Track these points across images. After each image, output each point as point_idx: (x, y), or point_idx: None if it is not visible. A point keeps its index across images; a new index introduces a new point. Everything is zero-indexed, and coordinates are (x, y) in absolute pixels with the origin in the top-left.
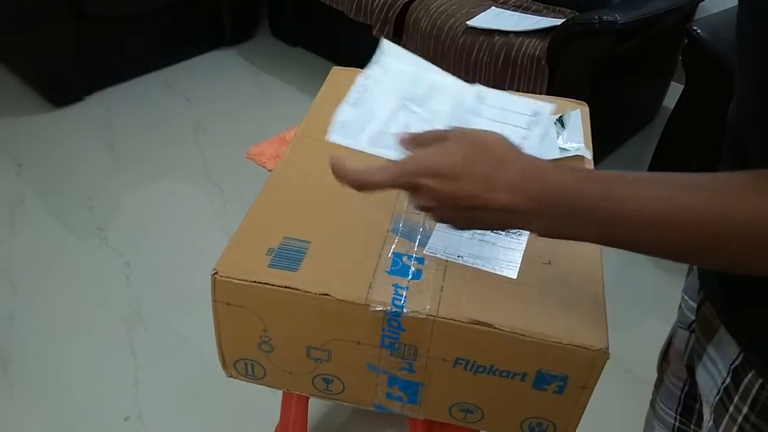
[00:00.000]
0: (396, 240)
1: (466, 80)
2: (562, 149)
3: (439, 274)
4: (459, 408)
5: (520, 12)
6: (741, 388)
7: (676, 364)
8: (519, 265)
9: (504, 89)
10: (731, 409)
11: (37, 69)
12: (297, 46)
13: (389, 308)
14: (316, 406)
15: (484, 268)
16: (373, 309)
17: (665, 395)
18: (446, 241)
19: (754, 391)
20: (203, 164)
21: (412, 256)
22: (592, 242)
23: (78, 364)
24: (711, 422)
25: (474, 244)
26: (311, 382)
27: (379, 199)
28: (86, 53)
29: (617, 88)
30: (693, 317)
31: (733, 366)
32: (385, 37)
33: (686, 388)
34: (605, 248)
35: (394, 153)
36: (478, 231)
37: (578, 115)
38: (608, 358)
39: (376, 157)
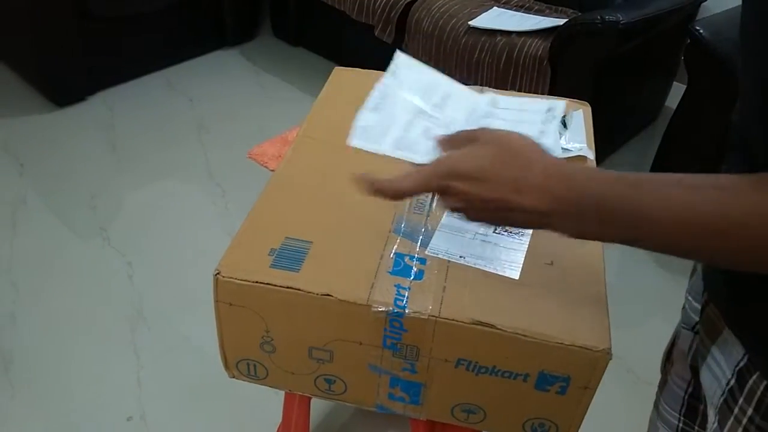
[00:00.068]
0: (398, 240)
1: (468, 81)
2: (565, 149)
3: (441, 275)
4: (461, 409)
5: (523, 12)
6: (746, 390)
7: (680, 365)
8: (521, 266)
9: (506, 89)
10: (736, 410)
11: (40, 69)
12: (299, 47)
13: (391, 309)
14: (318, 407)
15: (487, 269)
16: (375, 309)
17: (669, 396)
18: (448, 242)
19: (759, 392)
20: (205, 164)
21: (414, 257)
22: (615, 242)
23: (80, 364)
24: (715, 424)
25: (476, 245)
26: (313, 382)
27: (381, 200)
28: (89, 53)
29: (620, 88)
30: (697, 318)
31: (737, 367)
32: (386, 38)
33: (690, 389)
34: (607, 248)
35: (418, 156)
36: (480, 231)
37: (581, 115)
38: (611, 359)
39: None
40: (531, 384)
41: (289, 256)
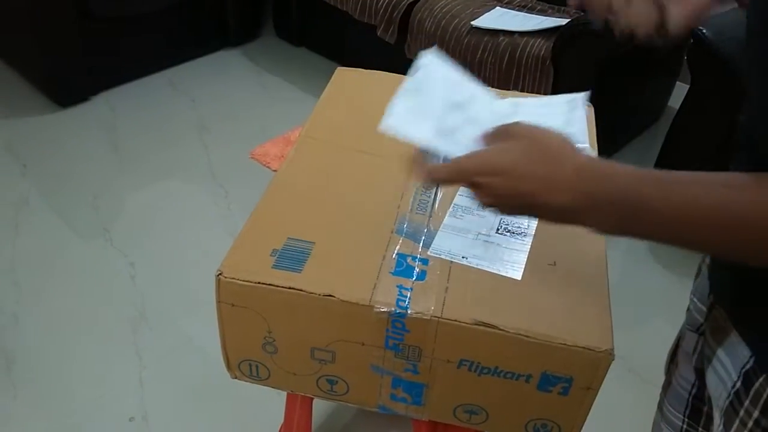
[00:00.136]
0: (400, 241)
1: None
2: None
3: (444, 276)
4: (463, 409)
5: (525, 12)
6: (752, 392)
7: (685, 367)
8: (524, 267)
9: (509, 89)
10: (741, 413)
11: (42, 69)
12: (301, 47)
13: (393, 309)
14: (320, 407)
15: (489, 270)
16: (378, 310)
17: (673, 397)
18: (451, 242)
19: (765, 394)
20: (208, 164)
21: (416, 257)
22: (640, 239)
23: (82, 364)
24: (721, 426)
25: (479, 245)
26: (315, 383)
27: (383, 200)
28: (91, 54)
29: (622, 88)
30: (702, 320)
31: (744, 370)
32: (389, 38)
33: (694, 391)
34: (609, 249)
35: (452, 148)
36: (483, 232)
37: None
38: (613, 360)
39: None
40: (533, 385)
41: (292, 257)
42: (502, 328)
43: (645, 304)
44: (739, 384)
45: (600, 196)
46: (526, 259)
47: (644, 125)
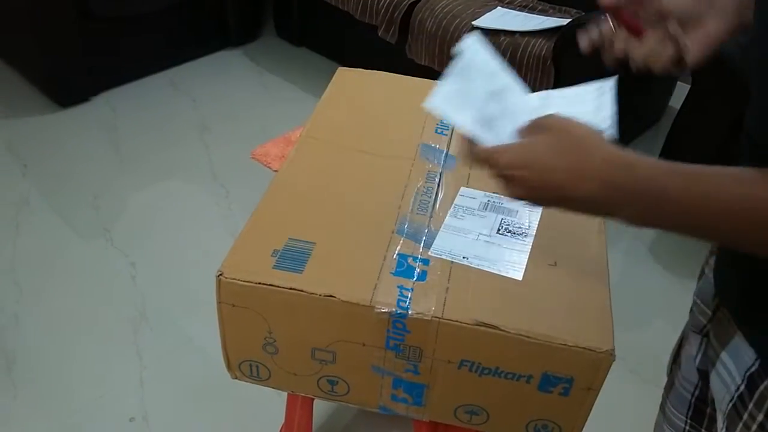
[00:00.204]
0: (401, 241)
1: None
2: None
3: (445, 276)
4: (464, 410)
5: (526, 12)
6: (756, 396)
7: (688, 368)
8: (524, 267)
9: None
10: (745, 416)
11: (43, 69)
12: (302, 47)
13: (394, 310)
14: (320, 408)
15: (490, 270)
16: (378, 310)
17: (676, 399)
18: (451, 243)
19: None
20: (209, 164)
21: (417, 258)
22: (667, 231)
23: (83, 364)
24: (724, 430)
25: (479, 246)
26: (316, 383)
27: (384, 200)
28: (91, 54)
29: (623, 88)
30: (705, 321)
31: (748, 373)
32: (390, 38)
33: (697, 392)
34: (611, 249)
35: (489, 137)
36: (483, 232)
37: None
38: (614, 360)
39: (398, 161)
40: (534, 385)
41: (292, 257)
42: (502, 328)
43: (645, 304)
44: (743, 387)
45: (625, 187)
46: (526, 260)
47: (645, 125)
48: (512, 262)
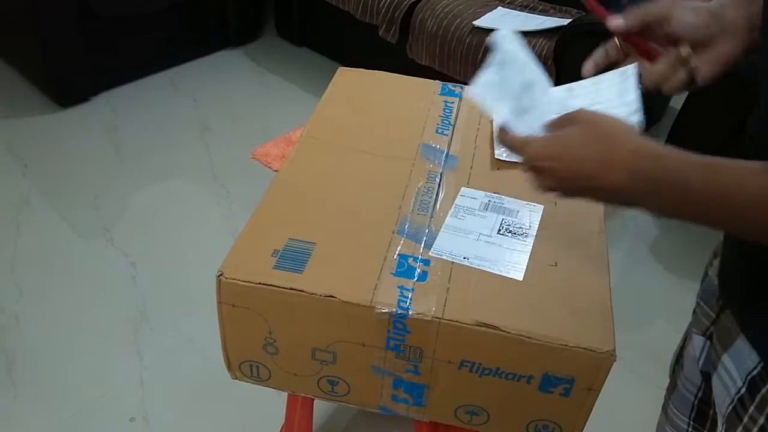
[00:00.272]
0: (402, 241)
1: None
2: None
3: (445, 276)
4: (465, 410)
5: (527, 12)
6: (758, 399)
7: (691, 370)
8: (525, 267)
9: None
10: (746, 419)
11: (43, 69)
12: (303, 47)
13: (395, 310)
14: (321, 408)
15: (490, 270)
16: (379, 311)
17: (678, 400)
18: (452, 243)
19: None
20: (209, 164)
21: (417, 258)
22: (694, 222)
23: (83, 364)
24: None
25: (480, 246)
26: (316, 383)
27: (384, 201)
28: (92, 53)
29: None
30: (708, 323)
31: (750, 376)
32: (390, 38)
33: (700, 394)
34: (611, 249)
35: (521, 129)
36: (484, 233)
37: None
38: (615, 361)
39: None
40: (535, 385)
41: (293, 258)
42: (503, 329)
43: (646, 304)
44: (743, 390)
45: (652, 177)
46: (527, 260)
47: (646, 125)
48: (513, 262)
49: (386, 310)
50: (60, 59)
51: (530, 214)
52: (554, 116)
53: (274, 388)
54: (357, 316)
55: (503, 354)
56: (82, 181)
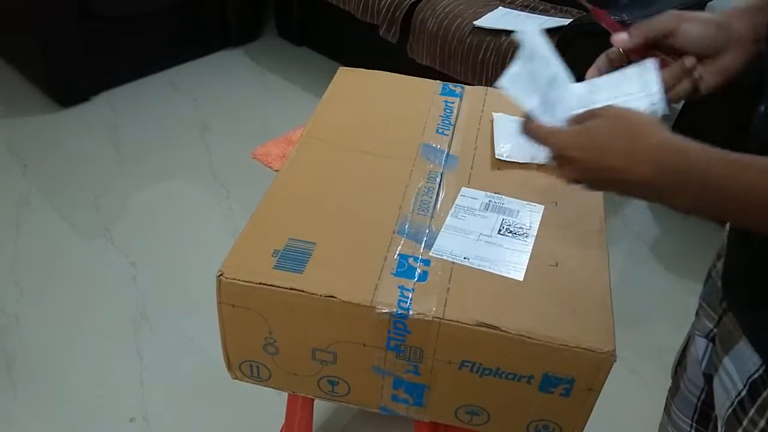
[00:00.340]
0: (402, 241)
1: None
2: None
3: (445, 276)
4: (465, 410)
5: (528, 12)
6: (758, 402)
7: (693, 372)
8: (525, 267)
9: None
10: (745, 422)
11: (43, 69)
12: (303, 46)
13: (395, 310)
14: (321, 408)
15: (491, 270)
16: (379, 311)
17: (681, 402)
18: (452, 243)
19: None
20: (209, 164)
21: (418, 258)
22: (717, 218)
23: (83, 364)
24: None
25: (480, 246)
26: (317, 383)
27: (385, 201)
28: (92, 53)
29: None
30: (711, 326)
31: (751, 379)
32: (391, 38)
33: (703, 396)
34: (611, 249)
35: (547, 121)
36: (484, 233)
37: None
38: (615, 361)
39: (395, 161)
40: (535, 386)
41: (293, 258)
42: (503, 329)
43: (647, 304)
44: (744, 393)
45: (677, 171)
46: (527, 260)
47: None
48: (513, 262)
49: (386, 310)
50: (60, 59)
51: (530, 214)
52: (578, 111)
53: (274, 388)
54: (357, 317)
55: (503, 354)
56: (82, 181)
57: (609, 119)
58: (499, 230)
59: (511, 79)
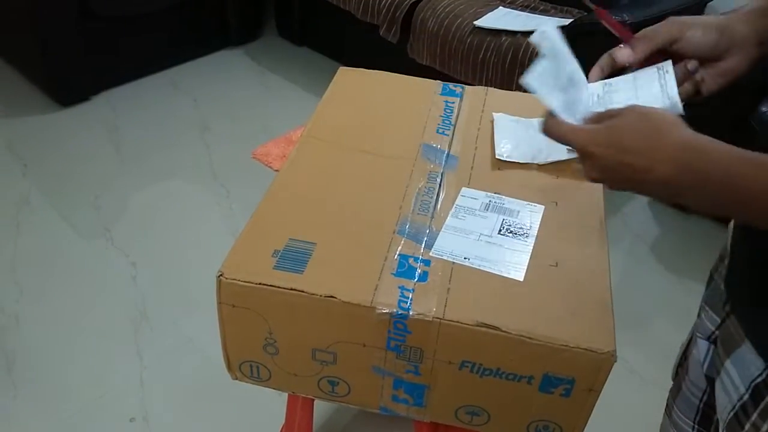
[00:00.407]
0: (402, 241)
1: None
2: (570, 150)
3: (446, 276)
4: (465, 411)
5: (528, 12)
6: (761, 406)
7: (695, 374)
8: (525, 268)
9: (511, 89)
10: (747, 426)
11: (43, 69)
12: (303, 46)
13: (395, 310)
14: (321, 408)
15: (491, 270)
16: (379, 311)
17: (683, 403)
18: (453, 243)
19: None
20: (209, 164)
21: (418, 258)
22: (736, 218)
23: (83, 364)
24: None
25: (481, 246)
26: (317, 384)
27: (385, 201)
28: (92, 53)
29: None
30: (713, 328)
31: (754, 383)
32: (391, 37)
33: (705, 398)
34: (612, 249)
35: (569, 119)
36: (485, 233)
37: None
38: (615, 361)
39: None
40: (535, 386)
41: (293, 258)
42: (504, 329)
43: (647, 304)
44: (746, 397)
45: (697, 170)
46: (528, 260)
47: None
48: (513, 262)
49: (387, 311)
50: (60, 59)
51: (531, 215)
52: (598, 110)
53: (274, 388)
54: (357, 317)
55: (504, 354)
56: (82, 181)
57: (632, 118)
58: (500, 230)
59: (536, 76)
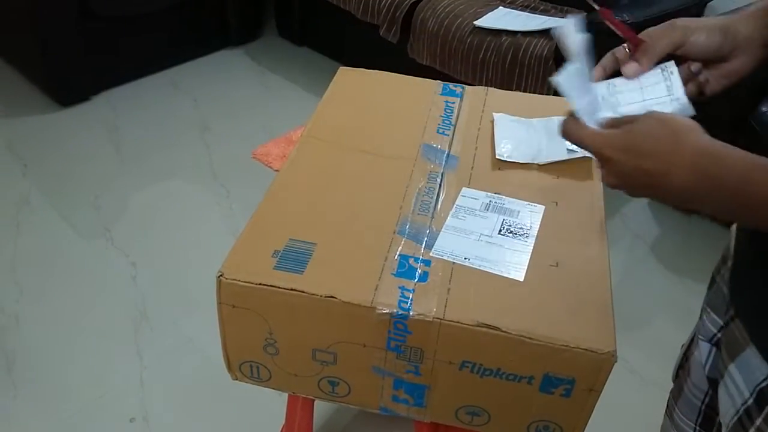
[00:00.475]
0: (402, 242)
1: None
2: (570, 150)
3: (446, 277)
4: (465, 411)
5: (528, 12)
6: (766, 411)
7: (697, 376)
8: (526, 268)
9: (511, 89)
10: (751, 431)
11: (43, 69)
12: (303, 46)
13: (395, 311)
14: (321, 408)
15: (491, 271)
16: (380, 311)
17: (684, 405)
18: (453, 243)
19: None
20: (209, 164)
21: (418, 258)
22: (751, 226)
23: (83, 364)
24: None
25: (481, 246)
26: (317, 384)
27: (385, 201)
28: (92, 53)
29: None
30: (715, 331)
31: (758, 387)
32: (391, 37)
33: (707, 400)
34: (612, 250)
35: (589, 121)
36: (485, 233)
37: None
38: (615, 361)
39: (392, 160)
40: (536, 386)
41: (293, 258)
42: (504, 329)
43: (647, 305)
44: (751, 401)
45: (713, 176)
46: (528, 260)
47: None
48: (513, 262)
49: (387, 311)
50: (60, 59)
51: (531, 215)
52: (605, 112)
53: (274, 388)
54: (358, 317)
55: (504, 355)
56: (82, 181)
57: (650, 123)
58: (500, 230)
59: (567, 77)
